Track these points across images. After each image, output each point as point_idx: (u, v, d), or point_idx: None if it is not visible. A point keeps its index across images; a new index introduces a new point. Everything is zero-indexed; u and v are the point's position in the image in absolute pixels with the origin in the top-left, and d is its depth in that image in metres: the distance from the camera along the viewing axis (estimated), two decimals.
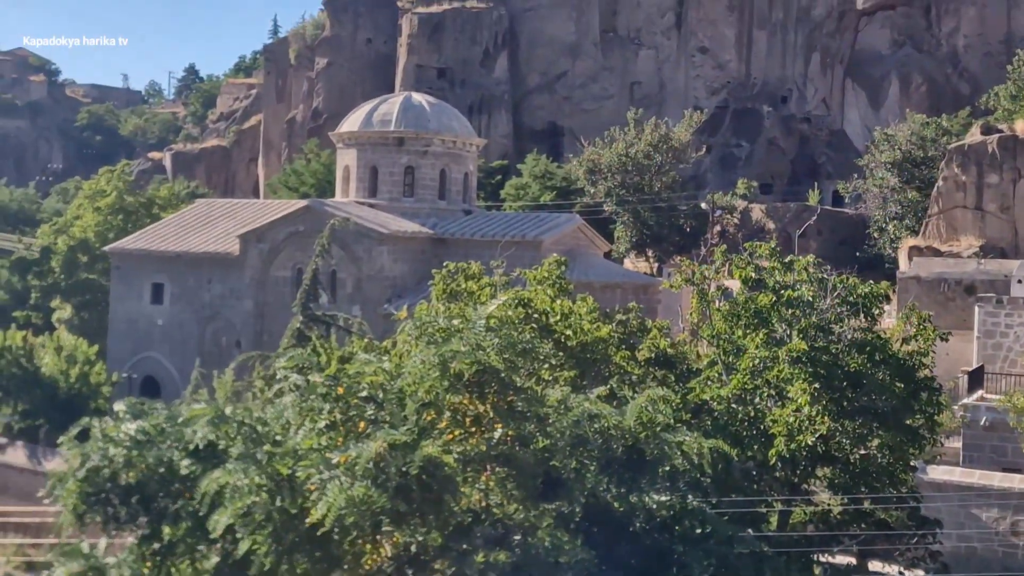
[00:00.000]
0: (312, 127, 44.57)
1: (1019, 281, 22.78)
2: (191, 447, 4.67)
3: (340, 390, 4.85)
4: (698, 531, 4.88)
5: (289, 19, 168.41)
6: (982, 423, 17.55)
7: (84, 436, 5.00)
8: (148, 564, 4.67)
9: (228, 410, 4.91)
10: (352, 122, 30.57)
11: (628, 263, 36.73)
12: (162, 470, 4.63)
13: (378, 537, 4.40)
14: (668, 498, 4.93)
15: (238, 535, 4.26)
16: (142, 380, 28.48)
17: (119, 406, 5.85)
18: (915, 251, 28.36)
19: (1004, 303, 20.53)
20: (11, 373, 23.08)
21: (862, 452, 10.11)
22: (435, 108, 30.93)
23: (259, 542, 4.27)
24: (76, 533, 4.74)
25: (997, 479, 15.94)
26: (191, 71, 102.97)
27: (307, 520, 4.18)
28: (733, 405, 9.83)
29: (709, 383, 10.42)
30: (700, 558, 4.69)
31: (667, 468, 4.97)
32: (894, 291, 22.32)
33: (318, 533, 4.14)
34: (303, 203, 29.54)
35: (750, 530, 6.33)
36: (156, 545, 4.62)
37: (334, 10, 44.83)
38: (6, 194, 61.94)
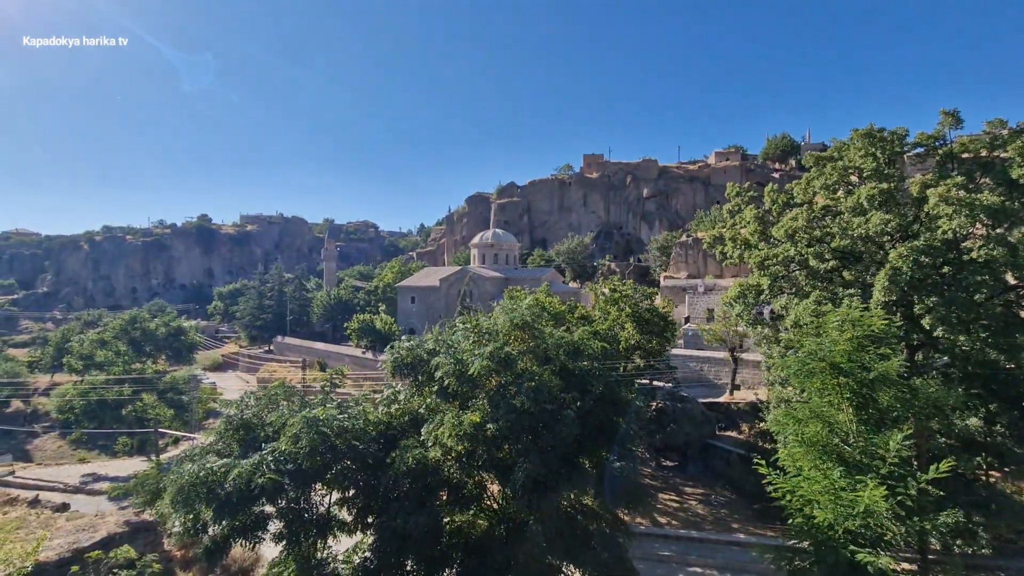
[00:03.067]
0: (463, 242, 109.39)
1: (700, 289, 59.56)
2: (429, 348, 14.59)
3: (475, 329, 14.78)
4: (597, 374, 14.89)
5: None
6: (689, 334, 47.24)
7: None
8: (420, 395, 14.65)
9: (440, 336, 14.83)
10: (476, 239, 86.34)
11: (571, 284, 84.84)
12: (422, 355, 14.56)
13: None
14: (588, 364, 14.95)
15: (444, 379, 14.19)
16: (408, 330, 72.90)
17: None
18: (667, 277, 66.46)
19: (694, 292, 57.85)
20: (367, 327, 70.71)
21: (652, 344, 21.51)
22: (504, 234, 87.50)
23: (451, 379, 14.20)
24: (393, 381, 14.62)
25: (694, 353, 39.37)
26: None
27: (471, 371, 14.09)
28: (608, 331, 21.97)
29: (600, 323, 23.00)
30: (600, 380, 14.67)
31: (588, 352, 14.97)
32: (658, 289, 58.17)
33: (470, 373, 14.02)
34: (461, 267, 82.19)
35: (615, 373, 16.68)
36: (422, 379, 14.57)
37: (469, 202, 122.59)
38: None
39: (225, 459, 13.24)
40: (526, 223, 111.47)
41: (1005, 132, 21.60)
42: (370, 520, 14.17)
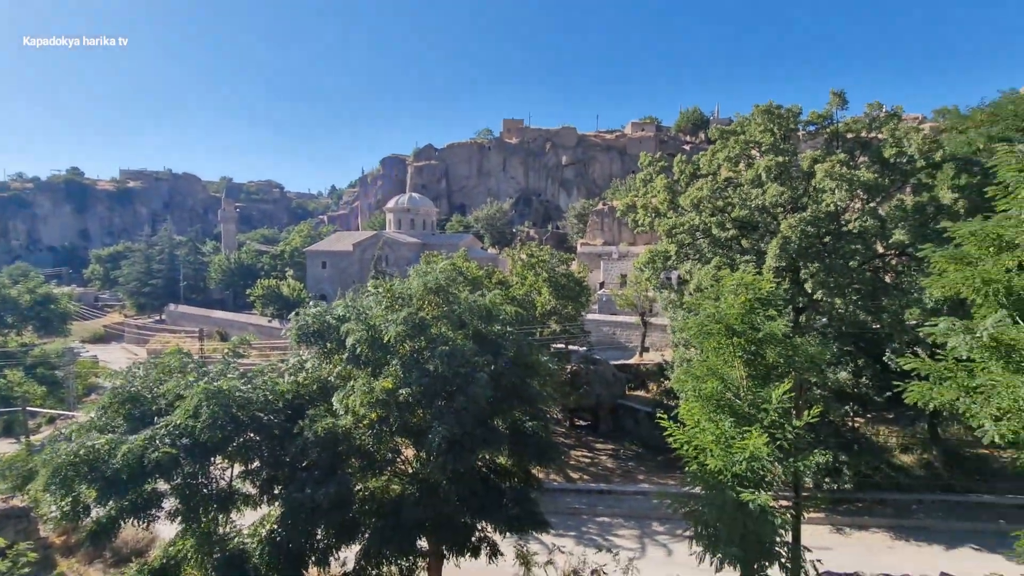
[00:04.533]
0: (377, 206, 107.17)
1: (614, 256, 61.93)
2: (338, 315, 14.02)
3: (389, 294, 14.38)
4: (511, 338, 15.15)
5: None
6: (603, 299, 50.41)
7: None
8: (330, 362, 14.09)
9: (350, 302, 14.27)
10: (391, 203, 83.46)
11: (490, 250, 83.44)
12: (331, 321, 13.98)
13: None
14: (501, 328, 15.14)
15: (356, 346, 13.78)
16: (319, 296, 66.19)
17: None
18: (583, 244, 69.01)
19: (609, 259, 61.35)
20: (273, 294, 65.35)
21: (568, 309, 22.50)
22: (421, 198, 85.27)
23: (363, 345, 13.81)
24: (296, 348, 13.92)
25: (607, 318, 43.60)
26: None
27: (385, 338, 13.76)
28: (524, 296, 22.42)
29: (518, 289, 23.62)
30: (513, 344, 14.92)
31: (502, 317, 15.14)
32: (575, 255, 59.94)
33: (384, 339, 13.72)
34: (376, 232, 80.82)
35: (531, 337, 17.09)
36: (331, 346, 14.02)
37: (384, 164, 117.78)
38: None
39: (110, 435, 12.10)
40: (444, 188, 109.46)
41: (882, 114, 24.02)
42: (277, 492, 13.68)
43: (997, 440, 9.37)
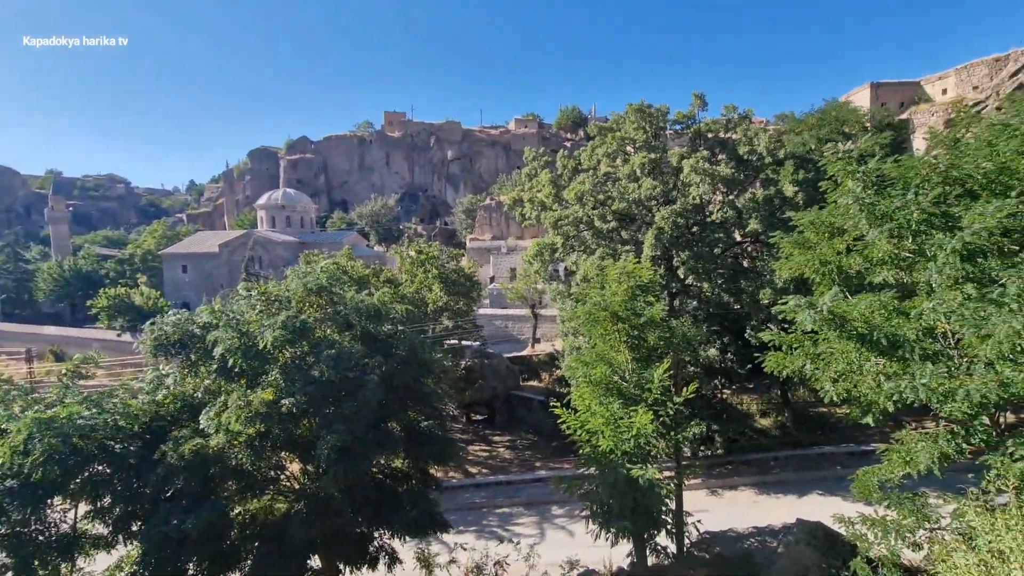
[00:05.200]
0: (247, 203, 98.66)
1: (503, 250, 62.91)
2: (203, 322, 12.58)
3: (264, 297, 13.22)
4: (402, 337, 14.72)
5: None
6: (494, 294, 51.61)
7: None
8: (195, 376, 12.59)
9: (219, 308, 12.89)
10: (264, 199, 76.45)
11: (377, 247, 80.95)
12: (194, 330, 12.50)
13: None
14: (391, 327, 14.64)
15: (227, 356, 12.51)
16: (181, 304, 62.76)
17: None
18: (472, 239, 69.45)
19: (498, 253, 62.61)
20: (123, 304, 57.32)
21: (460, 305, 22.83)
22: (297, 194, 79.66)
23: (235, 355, 12.59)
24: (154, 362, 12.25)
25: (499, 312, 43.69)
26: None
27: (261, 345, 12.63)
28: (415, 294, 22.08)
29: (407, 286, 22.83)
30: (404, 343, 14.50)
31: (392, 316, 14.64)
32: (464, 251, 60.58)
33: (260, 346, 12.62)
34: (246, 231, 73.62)
35: (423, 335, 16.88)
36: (195, 358, 12.56)
37: (252, 157, 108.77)
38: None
39: None
40: (323, 183, 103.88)
41: (735, 116, 26.86)
42: (136, 528, 12.01)
43: (835, 398, 10.91)
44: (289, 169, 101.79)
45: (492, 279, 60.37)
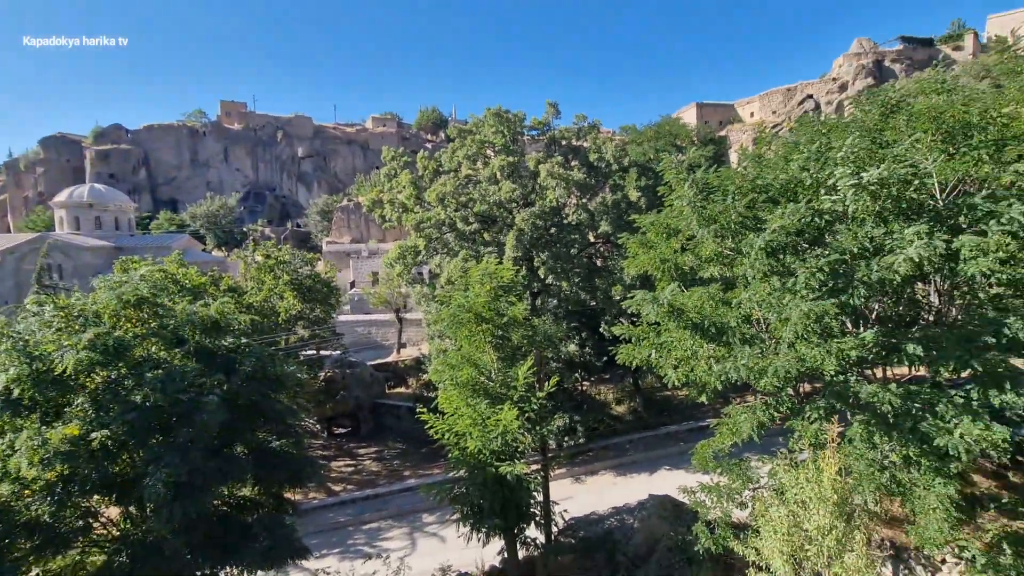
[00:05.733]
0: (40, 200, 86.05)
1: (364, 253, 60.71)
2: None
3: (64, 312, 11.08)
4: (247, 351, 13.37)
5: None
6: (355, 299, 50.50)
7: None
8: None
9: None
10: (64, 196, 65.18)
11: (216, 252, 76.26)
12: None
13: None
14: (234, 340, 13.20)
15: (10, 388, 10.27)
16: None
17: None
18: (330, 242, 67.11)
19: (358, 256, 59.96)
20: None
21: (317, 312, 21.91)
22: (110, 190, 69.43)
23: (24, 384, 10.38)
24: None
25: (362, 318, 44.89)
26: None
27: (59, 369, 10.55)
28: (263, 302, 20.55)
29: (254, 295, 21.41)
30: (250, 357, 13.15)
31: (235, 328, 13.19)
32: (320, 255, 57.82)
33: (59, 371, 10.55)
34: (40, 234, 62.71)
35: (274, 347, 15.66)
36: None
37: (46, 146, 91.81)
38: None
39: None
40: (144, 179, 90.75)
41: (586, 125, 28.88)
42: None
43: (676, 382, 12.25)
44: (98, 161, 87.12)
45: (353, 284, 57.75)
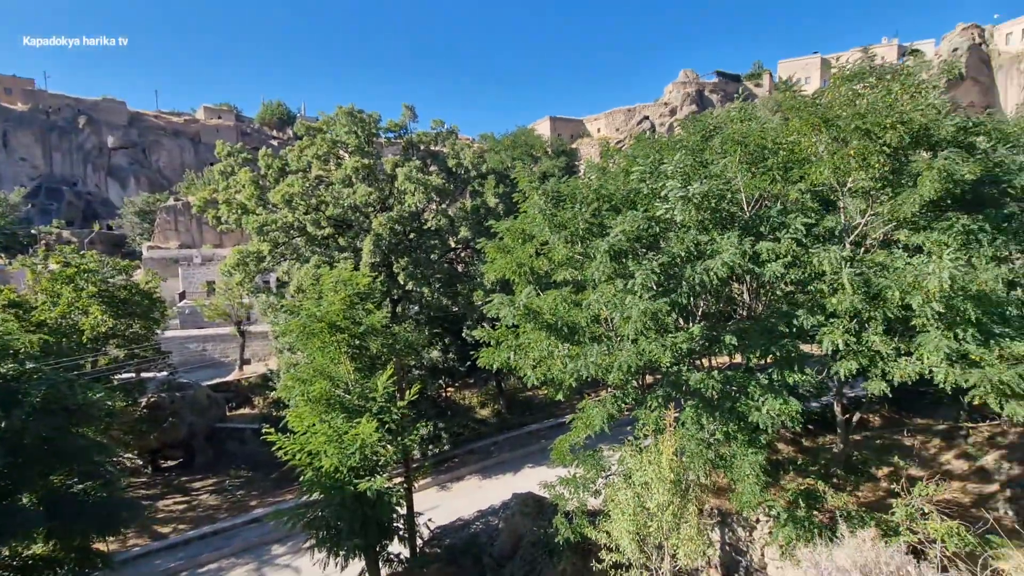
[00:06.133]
0: None
1: (196, 260, 54.81)
2: None
3: None
4: (35, 377, 11.10)
5: None
6: (186, 312, 46.16)
7: None
8: None
9: None
10: None
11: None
12: None
13: None
14: (16, 366, 10.87)
15: None
16: None
17: None
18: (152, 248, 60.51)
19: (189, 264, 54.28)
20: None
21: (135, 328, 19.49)
22: None
23: None
24: None
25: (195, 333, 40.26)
26: None
27: None
28: (60, 319, 17.12)
29: (46, 310, 19.33)
30: (40, 385, 10.92)
31: (18, 352, 10.86)
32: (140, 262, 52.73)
33: None
34: None
35: (75, 373, 13.31)
36: None
37: None
38: None
39: None
40: None
41: (443, 130, 28.97)
42: None
43: (535, 382, 12.78)
44: None
45: (183, 295, 51.14)
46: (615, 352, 10.58)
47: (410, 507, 15.49)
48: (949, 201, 11.74)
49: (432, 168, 28.21)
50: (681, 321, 13.73)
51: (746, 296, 15.02)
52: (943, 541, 9.04)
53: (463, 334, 29.14)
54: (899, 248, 12.25)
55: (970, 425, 19.28)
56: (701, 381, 11.17)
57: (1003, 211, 12.29)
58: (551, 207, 11.68)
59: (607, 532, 8.56)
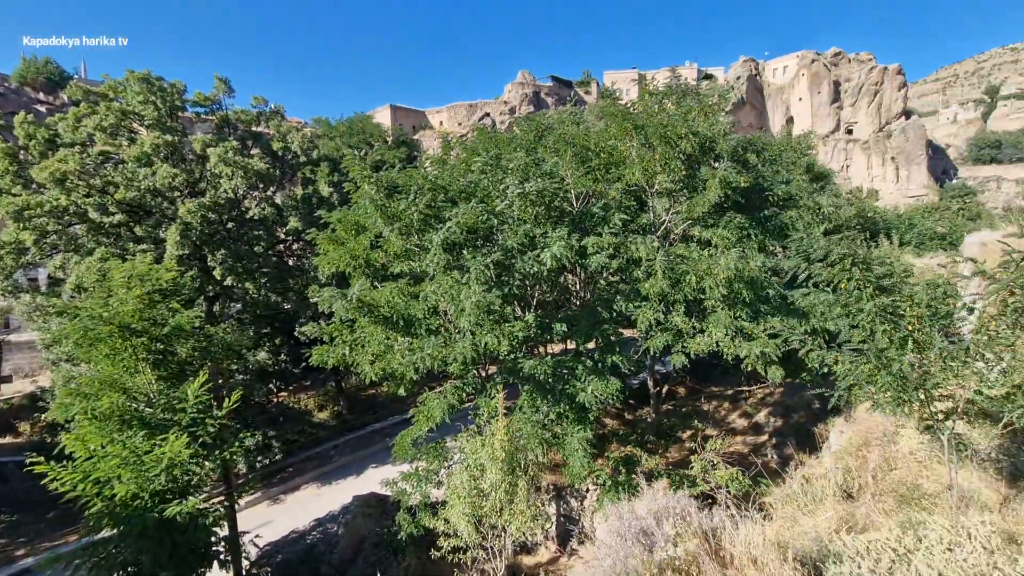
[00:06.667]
0: None
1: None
2: None
3: None
4: None
5: None
6: None
7: None
8: None
9: None
10: None
11: None
12: None
13: None
14: None
15: None
16: None
17: None
18: None
19: None
20: None
21: None
22: None
23: None
24: None
25: None
26: None
27: None
28: None
29: None
30: None
31: None
32: None
33: None
34: None
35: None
36: None
37: None
38: None
39: None
40: None
41: (267, 110, 26.41)
42: None
43: (374, 378, 12.37)
44: None
45: None
46: (452, 344, 10.71)
47: (232, 526, 14.02)
48: (728, 204, 13.96)
49: (254, 151, 25.60)
50: (520, 311, 14.40)
51: (579, 286, 16.30)
52: (727, 486, 10.86)
53: (296, 333, 27.19)
54: (695, 242, 14.31)
55: (747, 389, 23.35)
56: (535, 367, 11.84)
57: (765, 213, 15.01)
58: (383, 198, 11.33)
59: (445, 519, 8.66)
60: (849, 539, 4.49)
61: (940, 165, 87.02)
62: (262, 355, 25.89)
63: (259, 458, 25.62)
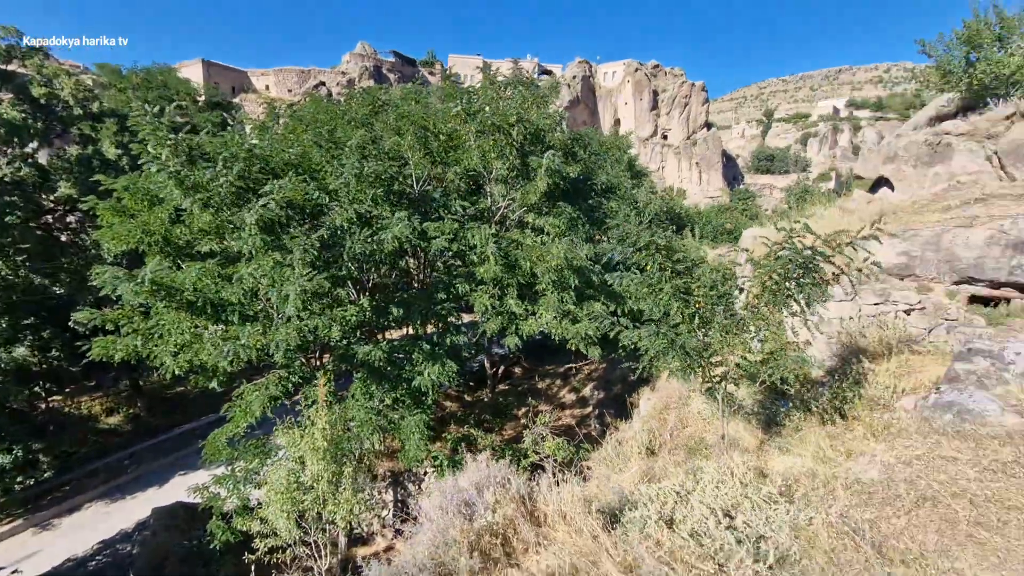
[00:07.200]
0: None
1: None
2: None
3: None
4: None
5: None
6: None
7: None
8: None
9: None
10: None
11: None
12: None
13: None
14: None
15: None
16: None
17: None
18: None
19: None
20: None
21: None
22: None
23: None
24: None
25: None
26: None
27: None
28: None
29: None
30: None
31: None
32: None
33: None
34: None
35: None
36: None
37: None
38: None
39: None
40: None
41: (24, 45, 21.34)
42: None
43: (177, 371, 10.88)
44: None
45: None
46: (273, 332, 9.87)
47: None
48: (558, 194, 14.92)
49: (5, 96, 20.62)
50: (355, 294, 13.76)
51: (419, 269, 16.12)
52: (554, 455, 11.75)
53: (71, 323, 22.77)
54: (529, 228, 15.04)
55: (575, 366, 25.46)
56: (368, 353, 11.46)
57: (590, 203, 16.37)
58: (181, 163, 9.87)
59: (261, 519, 8.01)
60: (645, 488, 5.17)
61: (732, 172, 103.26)
62: (22, 351, 21.22)
63: (19, 478, 21.12)
